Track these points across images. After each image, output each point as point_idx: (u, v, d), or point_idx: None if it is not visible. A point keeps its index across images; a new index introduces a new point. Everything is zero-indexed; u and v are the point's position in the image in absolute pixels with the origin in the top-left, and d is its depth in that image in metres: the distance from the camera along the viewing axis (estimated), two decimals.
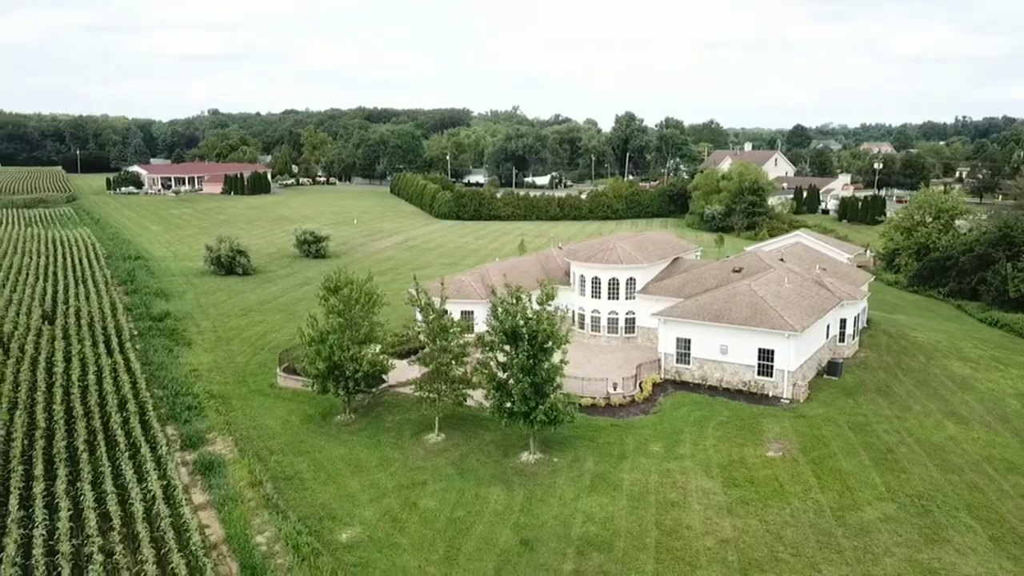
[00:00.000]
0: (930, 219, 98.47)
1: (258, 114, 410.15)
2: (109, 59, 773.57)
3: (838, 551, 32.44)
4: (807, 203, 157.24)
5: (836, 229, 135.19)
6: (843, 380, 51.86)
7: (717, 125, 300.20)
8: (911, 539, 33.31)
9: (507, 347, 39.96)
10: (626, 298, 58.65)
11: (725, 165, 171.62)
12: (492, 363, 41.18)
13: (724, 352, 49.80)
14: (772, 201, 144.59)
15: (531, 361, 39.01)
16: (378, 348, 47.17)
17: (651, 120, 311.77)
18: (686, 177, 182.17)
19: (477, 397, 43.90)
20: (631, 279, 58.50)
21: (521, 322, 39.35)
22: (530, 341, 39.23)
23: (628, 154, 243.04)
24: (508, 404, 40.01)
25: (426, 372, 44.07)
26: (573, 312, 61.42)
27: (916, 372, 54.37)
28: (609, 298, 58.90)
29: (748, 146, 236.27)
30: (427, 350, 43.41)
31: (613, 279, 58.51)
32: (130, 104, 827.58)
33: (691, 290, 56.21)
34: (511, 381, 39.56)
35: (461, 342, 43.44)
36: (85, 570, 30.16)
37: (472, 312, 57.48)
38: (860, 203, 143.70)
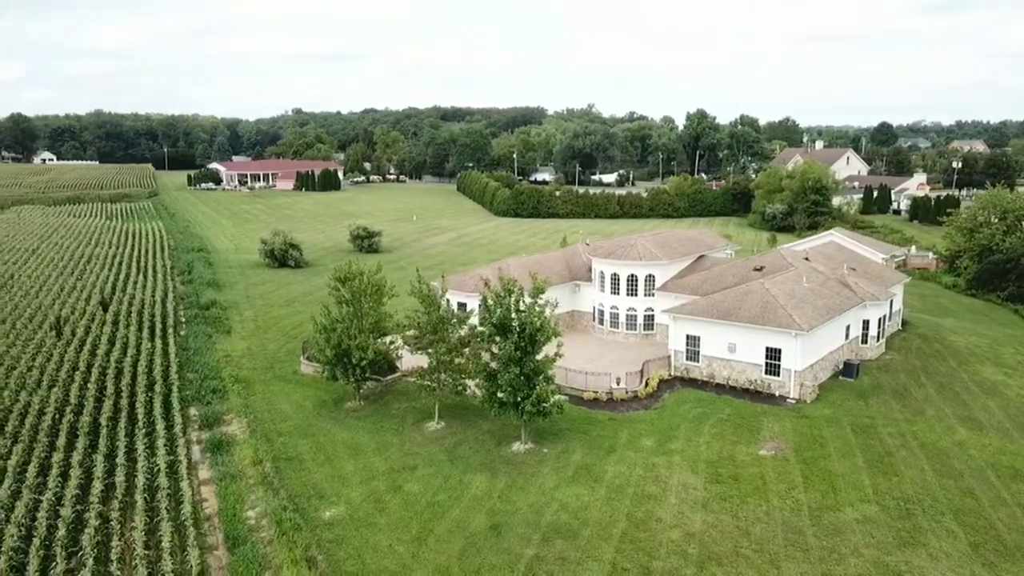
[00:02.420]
0: (995, 220, 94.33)
1: (338, 113, 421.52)
2: (205, 61, 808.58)
3: (804, 549, 32.23)
4: (877, 203, 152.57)
5: (903, 230, 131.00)
6: (859, 382, 50.75)
7: (793, 123, 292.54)
8: (884, 541, 32.77)
9: (498, 338, 40.94)
10: (645, 295, 58.75)
11: (793, 164, 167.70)
12: (485, 354, 42.28)
13: (732, 350, 49.50)
14: (837, 201, 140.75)
15: (518, 352, 39.90)
16: (389, 339, 48.94)
17: (728, 117, 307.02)
18: (753, 176, 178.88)
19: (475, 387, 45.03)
20: (650, 276, 58.56)
21: (512, 314, 40.26)
22: (520, 333, 40.11)
23: (699, 152, 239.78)
24: (500, 394, 41.00)
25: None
26: (594, 308, 61.87)
27: (941, 376, 52.69)
28: (628, 295, 59.11)
29: (819, 144, 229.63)
30: (424, 340, 44.73)
31: (632, 275, 58.69)
32: (221, 104, 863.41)
33: (710, 288, 55.92)
34: (500, 371, 40.55)
35: (460, 334, 44.59)
36: (81, 532, 32.67)
37: None
38: (932, 203, 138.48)
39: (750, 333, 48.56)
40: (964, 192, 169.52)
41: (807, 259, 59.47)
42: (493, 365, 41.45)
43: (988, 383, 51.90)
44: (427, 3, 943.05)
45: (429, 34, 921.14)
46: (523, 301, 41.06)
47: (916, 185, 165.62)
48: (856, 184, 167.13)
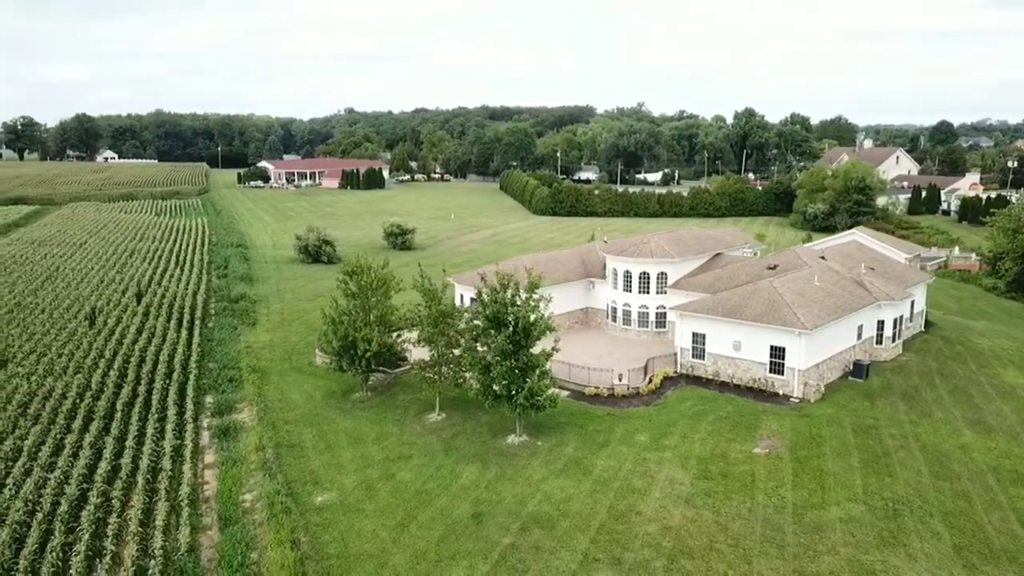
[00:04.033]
0: None
1: (389, 112, 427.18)
2: (262, 62, 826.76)
3: (779, 546, 32.14)
4: (926, 203, 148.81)
5: (949, 231, 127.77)
6: (868, 382, 50.02)
7: (845, 121, 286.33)
8: (863, 540, 32.48)
9: (492, 331, 41.57)
10: (657, 292, 58.71)
11: (838, 163, 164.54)
12: (482, 347, 42.97)
13: (737, 348, 49.28)
14: (882, 200, 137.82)
15: (511, 346, 40.49)
16: (396, 333, 50.06)
17: (780, 115, 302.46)
18: (797, 175, 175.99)
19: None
20: (662, 273, 58.50)
21: (507, 309, 40.84)
22: (513, 327, 40.67)
23: (746, 151, 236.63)
24: (495, 387, 41.63)
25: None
26: (607, 305, 62.04)
27: (957, 378, 51.55)
28: (640, 292, 59.14)
29: (868, 143, 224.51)
30: (425, 333, 45.62)
31: (644, 273, 58.71)
32: (277, 104, 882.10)
33: (722, 286, 55.67)
34: (494, 364, 41.21)
35: (460, 327, 45.31)
36: (82, 509, 34.40)
37: None
38: (983, 204, 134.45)
39: (755, 331, 48.29)
40: (1021, 192, 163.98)
41: (823, 258, 58.73)
42: (488, 358, 42.11)
43: (1007, 386, 50.63)
44: (482, 3, 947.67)
45: (482, 34, 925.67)
46: (519, 296, 41.62)
47: (968, 185, 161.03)
48: (905, 184, 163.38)
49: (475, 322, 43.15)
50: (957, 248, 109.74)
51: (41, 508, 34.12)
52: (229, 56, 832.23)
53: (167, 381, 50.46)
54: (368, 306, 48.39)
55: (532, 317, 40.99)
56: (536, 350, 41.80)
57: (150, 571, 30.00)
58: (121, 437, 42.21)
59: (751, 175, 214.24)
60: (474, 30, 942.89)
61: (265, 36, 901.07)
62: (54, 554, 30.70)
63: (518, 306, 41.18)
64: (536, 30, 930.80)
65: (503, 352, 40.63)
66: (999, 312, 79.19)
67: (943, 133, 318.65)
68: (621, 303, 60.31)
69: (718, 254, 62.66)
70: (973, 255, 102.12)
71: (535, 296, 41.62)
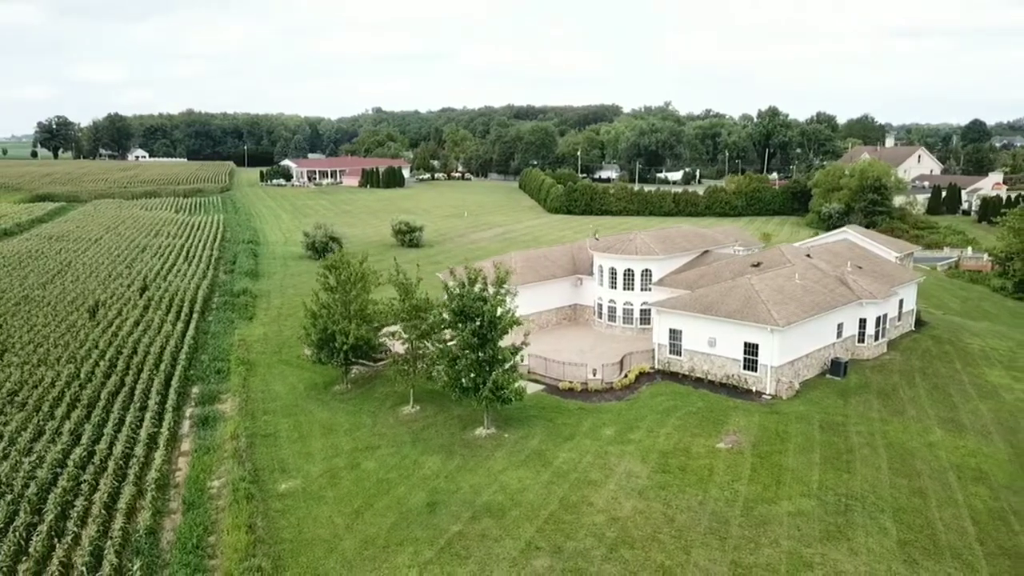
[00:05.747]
0: None
1: (416, 112, 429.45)
2: (292, 62, 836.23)
3: (722, 538, 32.41)
4: (946, 203, 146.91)
5: (967, 231, 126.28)
6: (845, 380, 49.84)
7: (871, 120, 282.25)
8: (808, 534, 32.63)
9: (460, 325, 42.25)
10: (641, 289, 58.96)
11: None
12: (451, 340, 43.67)
13: (712, 345, 49.43)
14: (899, 200, 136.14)
15: (476, 339, 41.14)
16: (375, 324, 50.94)
17: (807, 114, 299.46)
18: (816, 174, 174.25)
19: None
20: (647, 270, 58.73)
21: (470, 302, 41.52)
22: (480, 320, 41.32)
23: (769, 150, 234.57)
24: (462, 380, 42.30)
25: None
26: (594, 302, 62.42)
27: (939, 378, 51.14)
28: (625, 289, 59.43)
29: (890, 142, 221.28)
30: (400, 328, 46.45)
31: (628, 270, 58.98)
32: (307, 103, 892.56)
33: (705, 283, 55.77)
34: (460, 357, 41.90)
35: (431, 321, 46.01)
36: (50, 491, 35.71)
37: None
38: (1003, 203, 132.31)
39: (729, 327, 48.40)
40: None
41: (808, 256, 58.55)
42: (455, 351, 42.78)
43: (989, 386, 50.14)
44: (514, 3, 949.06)
45: (511, 33, 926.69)
46: (487, 290, 42.25)
47: (992, 184, 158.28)
48: (926, 184, 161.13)
49: (443, 315, 43.81)
50: (970, 248, 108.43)
51: (12, 490, 35.48)
52: (260, 57, 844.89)
53: (155, 372, 51.85)
54: (347, 300, 49.35)
55: (499, 311, 41.61)
56: (507, 343, 42.43)
57: (106, 551, 31.15)
58: (101, 424, 43.59)
59: (774, 174, 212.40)
60: (505, 30, 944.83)
61: (295, 36, 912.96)
62: (16, 534, 31.96)
63: (484, 300, 41.82)
64: (568, 30, 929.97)
65: (469, 345, 41.31)
66: (1003, 313, 78.16)
67: (976, 132, 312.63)
68: (607, 299, 60.66)
69: (706, 251, 62.71)
70: (985, 255, 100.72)
71: (502, 290, 42.23)
